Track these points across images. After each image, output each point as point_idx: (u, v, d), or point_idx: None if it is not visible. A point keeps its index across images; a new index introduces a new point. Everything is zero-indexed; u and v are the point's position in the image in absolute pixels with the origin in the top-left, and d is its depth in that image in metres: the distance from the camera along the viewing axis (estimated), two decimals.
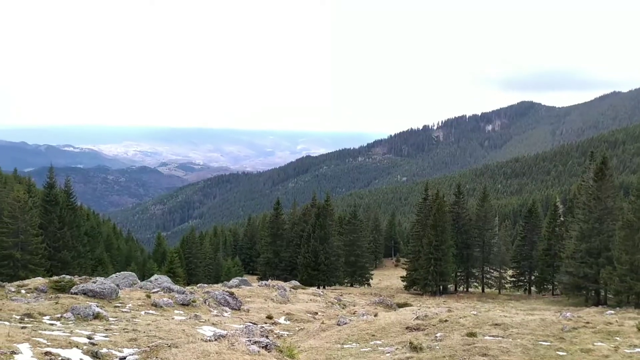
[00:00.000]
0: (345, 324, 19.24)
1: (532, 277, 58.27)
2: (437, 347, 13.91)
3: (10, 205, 42.39)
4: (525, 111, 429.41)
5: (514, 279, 59.95)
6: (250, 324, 17.64)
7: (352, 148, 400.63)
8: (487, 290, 59.71)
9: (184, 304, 21.93)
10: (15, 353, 10.62)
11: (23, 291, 20.68)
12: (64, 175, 73.24)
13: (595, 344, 13.81)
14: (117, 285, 22.28)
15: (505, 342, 13.77)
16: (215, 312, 22.56)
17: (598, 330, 15.35)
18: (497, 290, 59.33)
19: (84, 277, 25.49)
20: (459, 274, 59.32)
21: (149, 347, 9.80)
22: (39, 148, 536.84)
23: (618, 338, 14.53)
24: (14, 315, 15.11)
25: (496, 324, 16.40)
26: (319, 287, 51.11)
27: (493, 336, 14.81)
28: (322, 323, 21.05)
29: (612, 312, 23.12)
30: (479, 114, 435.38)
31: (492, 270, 60.07)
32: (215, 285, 33.95)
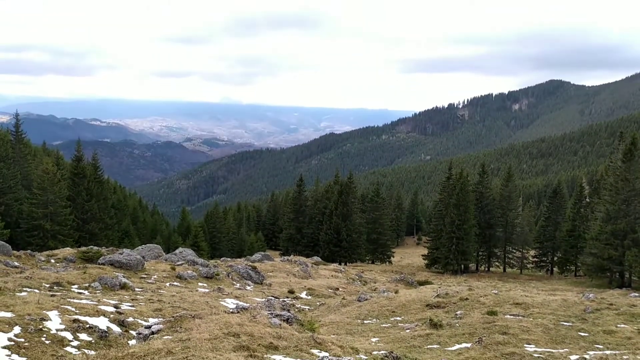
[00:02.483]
0: (366, 300, 19.40)
1: (555, 258, 57.70)
2: (457, 325, 13.96)
3: (40, 177, 43.44)
4: (553, 90, 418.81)
5: (537, 260, 59.47)
6: (272, 298, 17.92)
7: (376, 126, 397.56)
8: (508, 270, 59.40)
9: (208, 277, 22.35)
10: (44, 320, 11.02)
11: (52, 260, 21.32)
12: (91, 148, 74.56)
13: (618, 325, 13.68)
14: (143, 257, 22.78)
15: (526, 322, 13.74)
16: (238, 285, 22.94)
17: (621, 312, 15.18)
18: (519, 271, 58.97)
19: (110, 248, 26.13)
20: (480, 253, 59.05)
21: (173, 317, 10.05)
22: (67, 121, 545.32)
23: None
24: (43, 284, 15.60)
25: (517, 304, 16.35)
26: (340, 264, 51.46)
27: (513, 315, 14.78)
28: (343, 299, 21.26)
29: (637, 294, 22.78)
30: (506, 93, 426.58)
31: (514, 250, 59.64)
32: (238, 259, 34.45)
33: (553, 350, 11.30)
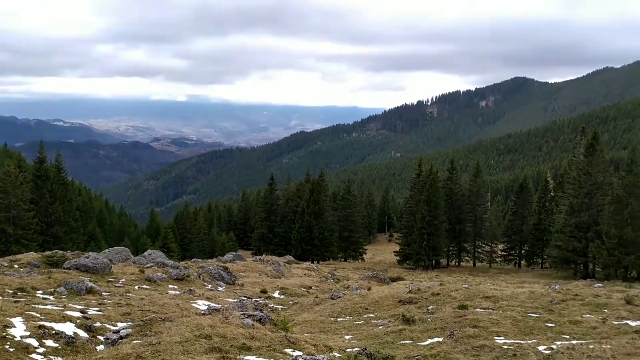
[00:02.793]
0: (339, 297, 19.43)
1: (523, 251, 58.95)
2: (429, 320, 14.10)
3: (1, 180, 42.09)
4: (518, 87, 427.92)
5: (505, 253, 60.65)
6: (245, 298, 17.78)
7: (346, 124, 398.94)
8: (478, 264, 60.40)
9: (178, 279, 22.04)
10: (8, 327, 10.66)
11: (16, 266, 20.70)
12: (55, 150, 72.66)
13: (583, 316, 14.03)
14: (110, 260, 22.32)
15: (496, 314, 13.97)
16: (209, 286, 22.69)
17: (586, 303, 15.59)
18: (488, 264, 60.02)
19: (76, 252, 25.49)
20: (451, 248, 59.86)
21: (142, 321, 9.86)
22: (28, 122, 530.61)
23: (606, 310, 14.77)
24: (6, 290, 15.13)
25: (487, 297, 16.62)
26: (312, 262, 51.47)
27: (484, 308, 15.01)
28: (316, 297, 21.26)
29: (600, 285, 23.44)
30: (473, 90, 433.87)
31: (483, 245, 60.66)
32: (210, 260, 34.11)
33: (522, 342, 11.51)
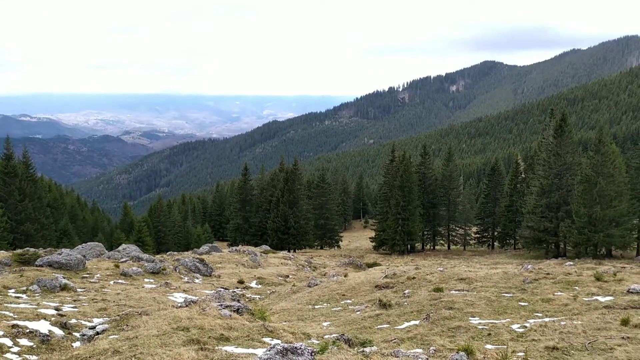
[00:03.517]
0: (316, 285, 19.54)
1: (495, 233, 60.07)
2: (406, 304, 14.31)
3: None
4: (488, 71, 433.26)
5: (478, 236, 61.69)
6: (222, 289, 17.73)
7: (318, 112, 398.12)
8: (452, 247, 61.33)
9: (154, 272, 21.85)
10: None
11: None
12: (22, 146, 70.73)
13: (555, 294, 14.42)
14: (84, 256, 21.97)
15: (470, 296, 14.25)
16: (186, 279, 22.57)
17: (558, 281, 16.02)
18: (462, 247, 60.99)
19: (49, 249, 25.03)
20: (425, 232, 60.58)
21: (119, 315, 9.76)
22: None
23: (577, 287, 15.21)
24: None
25: (461, 279, 16.94)
26: (289, 251, 51.53)
27: (458, 290, 15.30)
28: (293, 285, 21.34)
29: (571, 263, 24.09)
30: (444, 75, 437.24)
31: (457, 228, 61.57)
32: (186, 252, 33.87)
33: (496, 321, 11.78)
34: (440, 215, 60.16)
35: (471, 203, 66.56)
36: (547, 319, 11.80)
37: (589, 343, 9.56)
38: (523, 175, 57.54)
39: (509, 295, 14.54)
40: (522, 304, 13.58)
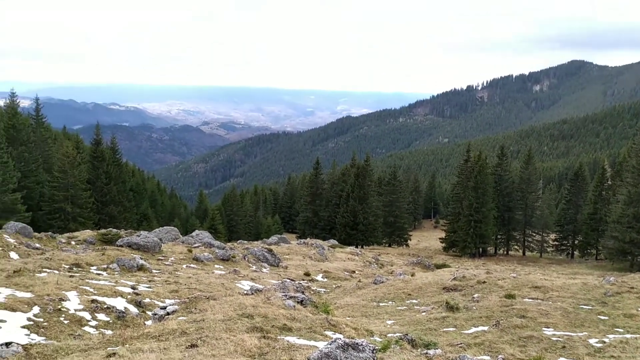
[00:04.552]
0: (382, 282, 19.35)
1: (576, 242, 57.06)
2: (474, 308, 13.83)
3: (60, 161, 43.99)
4: (575, 70, 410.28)
5: (557, 243, 58.86)
6: (288, 280, 17.94)
7: (393, 108, 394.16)
8: (528, 253, 58.89)
9: (224, 259, 22.47)
10: (63, 300, 11.14)
11: (73, 242, 21.60)
12: (110, 132, 75.23)
13: (639, 309, 13.43)
14: (160, 240, 22.95)
15: (545, 305, 13.55)
16: (254, 267, 23.05)
17: None
18: (539, 254, 58.43)
19: (129, 230, 26.40)
20: (499, 236, 58.59)
21: (188, 298, 10.10)
22: (86, 106, 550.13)
23: None
24: (63, 265, 15.80)
25: (536, 287, 16.15)
26: (357, 247, 51.48)
27: (532, 299, 14.60)
28: (359, 281, 21.24)
29: None
30: (527, 74, 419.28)
31: (534, 234, 59.05)
32: (255, 242, 34.63)
33: (572, 334, 11.13)
34: (516, 219, 57.93)
35: (550, 209, 63.63)
36: (628, 335, 10.99)
37: None
38: (609, 182, 54.27)
39: (587, 307, 13.69)
40: (602, 317, 12.75)
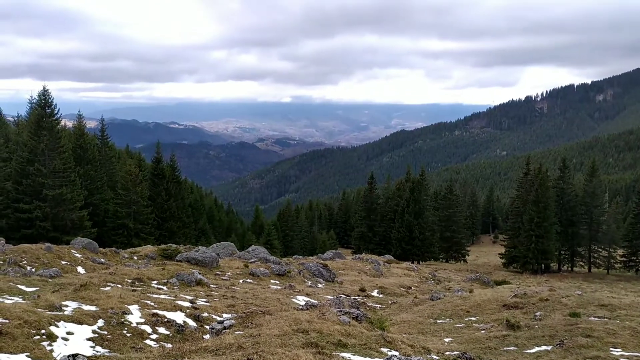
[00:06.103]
0: (439, 299, 18.96)
1: None
2: (536, 326, 13.31)
3: (124, 178, 45.96)
4: None
5: (625, 259, 55.81)
6: (343, 296, 17.91)
7: (448, 122, 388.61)
8: (594, 270, 56.15)
9: (280, 274, 22.68)
10: (126, 313, 11.58)
11: (135, 257, 22.45)
12: (170, 150, 77.95)
13: None
14: (218, 255, 23.47)
15: (612, 324, 12.87)
16: (309, 283, 23.13)
17: None
18: (606, 271, 55.60)
19: (188, 246, 27.17)
20: (562, 252, 56.25)
21: (244, 313, 10.27)
22: (148, 125, 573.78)
23: None
24: (126, 279, 16.43)
25: (602, 305, 15.37)
26: (413, 262, 50.73)
27: (599, 317, 13.90)
28: (415, 297, 20.91)
29: None
30: (589, 83, 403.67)
31: (600, 249, 56.31)
32: (310, 257, 34.79)
33: None
34: (580, 234, 55.48)
35: (617, 223, 60.54)
36: None
37: None
38: None
39: None
40: None
